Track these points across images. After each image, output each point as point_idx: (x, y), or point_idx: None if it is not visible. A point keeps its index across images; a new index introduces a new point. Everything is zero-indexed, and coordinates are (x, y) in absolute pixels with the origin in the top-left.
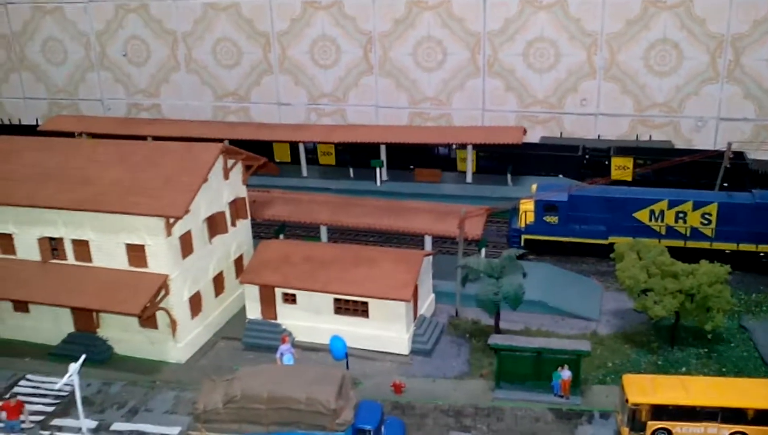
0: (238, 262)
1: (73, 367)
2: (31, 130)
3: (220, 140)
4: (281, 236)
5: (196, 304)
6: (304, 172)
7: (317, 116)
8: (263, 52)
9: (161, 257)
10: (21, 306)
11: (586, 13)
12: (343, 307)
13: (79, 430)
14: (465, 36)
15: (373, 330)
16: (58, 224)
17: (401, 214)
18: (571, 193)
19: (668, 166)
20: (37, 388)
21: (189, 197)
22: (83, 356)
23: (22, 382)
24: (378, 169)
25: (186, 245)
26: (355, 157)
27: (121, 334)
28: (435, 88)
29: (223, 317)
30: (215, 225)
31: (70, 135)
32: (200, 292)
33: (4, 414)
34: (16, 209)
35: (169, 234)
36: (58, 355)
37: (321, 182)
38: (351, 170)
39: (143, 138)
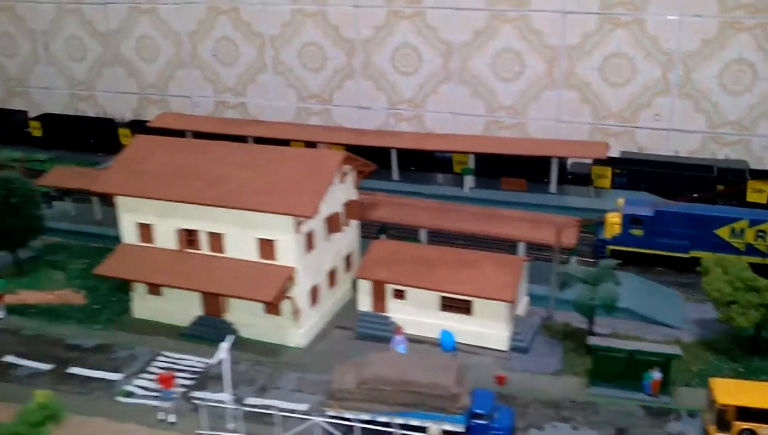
0: (348, 258)
1: (225, 346)
2: (139, 126)
3: (313, 144)
4: (383, 236)
5: (314, 294)
6: (395, 176)
7: (396, 121)
8: (347, 58)
9: (289, 251)
10: (155, 289)
11: (663, 32)
12: (448, 305)
13: (219, 402)
14: (543, 49)
15: (475, 327)
16: (195, 218)
17: (497, 221)
18: (656, 209)
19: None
20: (174, 364)
21: (318, 199)
22: (233, 338)
23: (159, 358)
24: (466, 177)
25: (309, 242)
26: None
27: (246, 318)
28: (511, 98)
29: (334, 308)
30: (332, 224)
31: (176, 132)
32: (318, 284)
33: (160, 384)
34: (156, 202)
35: (297, 231)
36: (188, 336)
37: (411, 186)
38: (440, 176)
39: (244, 138)
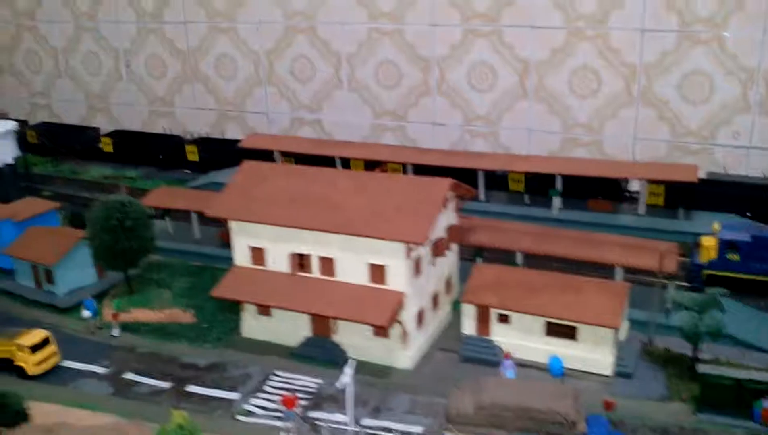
0: (448, 281)
1: (348, 371)
2: (205, 143)
3: (384, 164)
4: (479, 259)
5: (420, 317)
6: (482, 197)
7: (470, 137)
8: (423, 75)
9: (399, 276)
10: (264, 310)
11: (744, 49)
12: (553, 330)
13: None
14: (620, 67)
15: (579, 351)
16: (307, 242)
17: (597, 245)
18: (753, 234)
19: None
20: (288, 383)
21: (429, 226)
22: (354, 362)
23: (273, 378)
24: (554, 198)
25: (417, 266)
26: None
27: (354, 340)
28: (588, 115)
29: (437, 330)
30: (437, 249)
31: (266, 153)
32: (424, 308)
33: (283, 405)
34: (269, 227)
35: (408, 257)
36: (298, 355)
37: (499, 207)
38: (526, 197)
39: (331, 159)
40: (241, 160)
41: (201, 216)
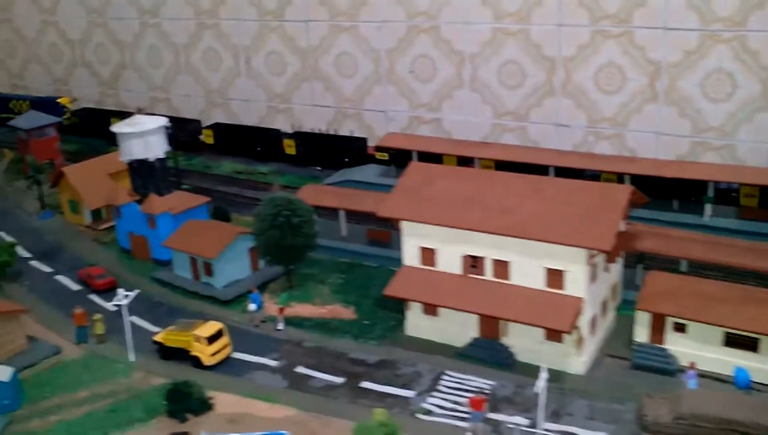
0: (614, 288)
1: (543, 375)
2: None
3: (542, 167)
4: (639, 266)
5: (593, 323)
6: None
7: (595, 139)
8: (547, 76)
9: (579, 282)
10: (430, 309)
11: None
12: (733, 340)
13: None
14: (758, 70)
15: (760, 364)
16: (481, 245)
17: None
18: None
19: None
20: (461, 384)
21: (613, 232)
22: (546, 367)
23: (444, 377)
24: (706, 205)
25: (594, 272)
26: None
27: (524, 343)
28: (720, 119)
29: (604, 336)
30: (611, 255)
31: (403, 152)
32: (596, 314)
33: (471, 407)
34: (442, 229)
35: (588, 263)
36: (464, 356)
37: (645, 212)
38: (676, 202)
39: (471, 160)
40: (342, 154)
41: (348, 213)
